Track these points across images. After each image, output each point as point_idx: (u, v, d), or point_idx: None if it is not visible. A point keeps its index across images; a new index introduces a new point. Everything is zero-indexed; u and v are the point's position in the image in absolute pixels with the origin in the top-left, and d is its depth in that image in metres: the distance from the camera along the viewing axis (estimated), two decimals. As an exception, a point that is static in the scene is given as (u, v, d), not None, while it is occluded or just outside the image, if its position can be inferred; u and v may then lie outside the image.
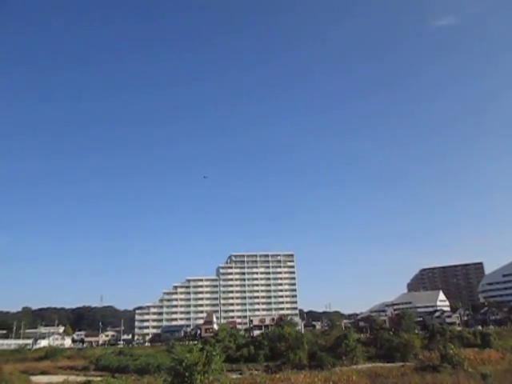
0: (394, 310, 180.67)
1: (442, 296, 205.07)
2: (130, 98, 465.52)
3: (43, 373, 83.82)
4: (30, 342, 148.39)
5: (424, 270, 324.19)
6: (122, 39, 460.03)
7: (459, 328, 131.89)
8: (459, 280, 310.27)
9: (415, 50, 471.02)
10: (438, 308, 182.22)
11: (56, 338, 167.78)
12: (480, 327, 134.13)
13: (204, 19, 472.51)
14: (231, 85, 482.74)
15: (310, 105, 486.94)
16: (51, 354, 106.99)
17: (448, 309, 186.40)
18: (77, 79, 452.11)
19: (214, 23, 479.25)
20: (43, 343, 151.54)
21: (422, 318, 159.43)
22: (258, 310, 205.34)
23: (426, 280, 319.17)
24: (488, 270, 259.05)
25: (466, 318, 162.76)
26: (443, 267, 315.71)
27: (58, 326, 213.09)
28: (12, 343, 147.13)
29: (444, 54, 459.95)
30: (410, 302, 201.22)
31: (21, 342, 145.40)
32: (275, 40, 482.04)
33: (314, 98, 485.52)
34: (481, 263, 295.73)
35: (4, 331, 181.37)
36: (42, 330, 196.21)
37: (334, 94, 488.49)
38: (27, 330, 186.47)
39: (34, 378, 73.03)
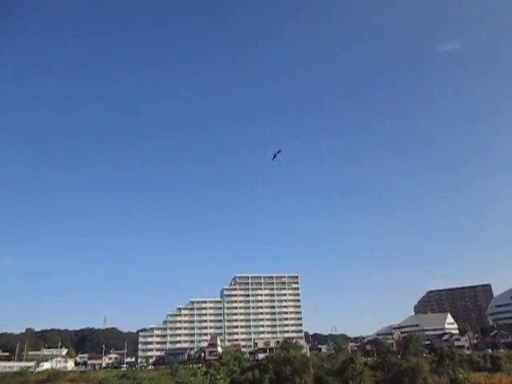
0: (401, 332, 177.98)
1: (450, 319, 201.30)
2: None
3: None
4: (32, 364, 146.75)
5: (431, 292, 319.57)
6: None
7: (468, 351, 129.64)
8: (467, 302, 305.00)
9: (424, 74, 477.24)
10: (447, 331, 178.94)
11: (59, 361, 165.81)
12: (490, 350, 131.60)
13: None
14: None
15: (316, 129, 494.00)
16: (54, 377, 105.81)
17: (456, 332, 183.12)
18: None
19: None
20: (46, 366, 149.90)
21: (429, 341, 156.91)
22: (263, 332, 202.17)
23: (433, 302, 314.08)
24: (496, 291, 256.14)
25: (475, 341, 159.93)
26: (450, 289, 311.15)
27: (60, 348, 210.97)
28: (14, 365, 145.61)
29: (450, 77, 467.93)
30: (417, 325, 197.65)
31: (23, 364, 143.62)
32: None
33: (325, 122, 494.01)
34: (489, 285, 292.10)
35: (6, 353, 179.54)
36: (45, 352, 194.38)
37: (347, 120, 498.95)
38: (30, 352, 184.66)
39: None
